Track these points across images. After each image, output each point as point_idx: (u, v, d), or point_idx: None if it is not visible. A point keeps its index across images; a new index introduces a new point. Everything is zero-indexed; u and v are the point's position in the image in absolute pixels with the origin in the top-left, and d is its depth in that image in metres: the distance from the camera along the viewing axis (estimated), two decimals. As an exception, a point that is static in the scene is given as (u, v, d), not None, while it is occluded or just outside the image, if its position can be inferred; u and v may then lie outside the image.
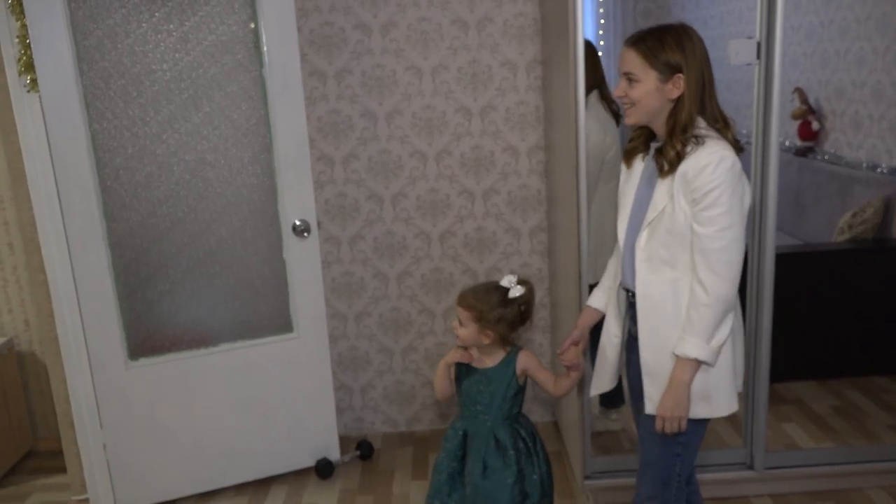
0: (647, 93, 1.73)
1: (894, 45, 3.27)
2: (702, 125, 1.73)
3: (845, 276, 3.25)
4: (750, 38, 2.32)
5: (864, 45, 3.48)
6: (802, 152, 3.96)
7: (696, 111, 1.73)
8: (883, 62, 3.34)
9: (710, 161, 1.67)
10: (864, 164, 3.52)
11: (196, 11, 2.45)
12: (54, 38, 2.28)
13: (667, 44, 1.71)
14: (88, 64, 2.37)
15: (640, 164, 1.87)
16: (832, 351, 3.21)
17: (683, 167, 1.70)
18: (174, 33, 2.44)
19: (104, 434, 2.62)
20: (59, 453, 2.94)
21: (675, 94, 1.72)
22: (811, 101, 3.89)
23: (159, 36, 2.42)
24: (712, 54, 1.85)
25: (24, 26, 2.28)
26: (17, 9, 2.27)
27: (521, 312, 2.08)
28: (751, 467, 2.57)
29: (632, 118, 1.80)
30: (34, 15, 2.25)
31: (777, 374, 2.55)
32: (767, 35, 2.28)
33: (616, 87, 1.79)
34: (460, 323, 2.07)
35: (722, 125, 1.74)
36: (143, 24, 2.40)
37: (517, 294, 2.05)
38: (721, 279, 1.69)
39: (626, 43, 1.76)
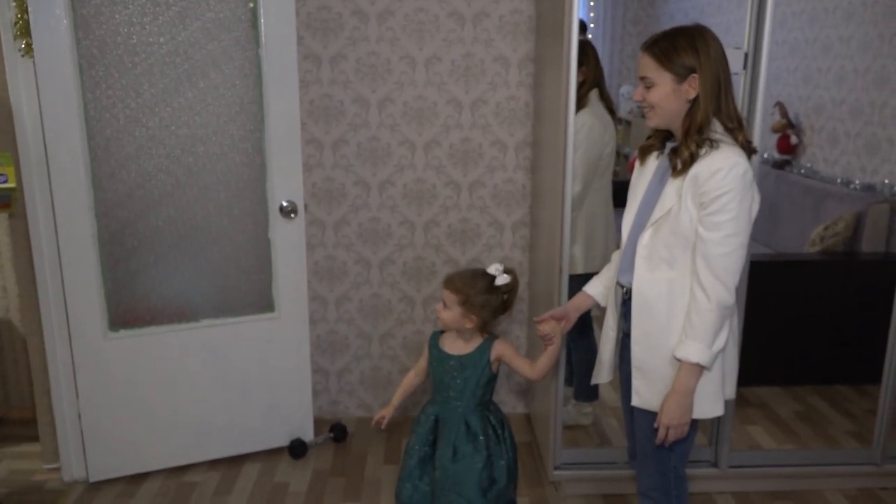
0: (665, 95, 1.75)
1: (874, 64, 3.38)
2: (718, 128, 1.75)
3: (815, 286, 3.35)
4: (738, 48, 2.39)
5: (845, 64, 3.58)
6: (780, 165, 4.06)
7: (713, 111, 1.74)
8: (862, 81, 3.44)
9: (723, 166, 1.68)
10: (839, 180, 3.63)
11: None
12: (52, 4, 2.28)
13: (679, 46, 1.73)
14: (85, 31, 2.37)
15: (654, 162, 1.88)
16: (798, 358, 3.31)
17: (695, 169, 1.71)
18: (173, 7, 2.44)
19: (80, 404, 2.62)
20: (30, 422, 2.93)
21: (692, 94, 1.74)
22: (791, 115, 3.99)
23: (158, 9, 2.43)
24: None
25: (22, -10, 2.28)
26: (16, -28, 2.27)
27: (503, 301, 2.13)
28: (715, 465, 2.65)
29: (652, 121, 1.82)
30: (33, -21, 2.25)
31: (744, 378, 2.61)
32: (755, 47, 2.35)
33: (634, 92, 1.81)
34: (444, 305, 2.11)
35: (736, 126, 1.76)
36: (143, -4, 2.41)
37: (503, 282, 2.10)
38: (723, 285, 1.71)
39: (641, 48, 1.78)
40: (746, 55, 2.36)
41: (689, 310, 1.75)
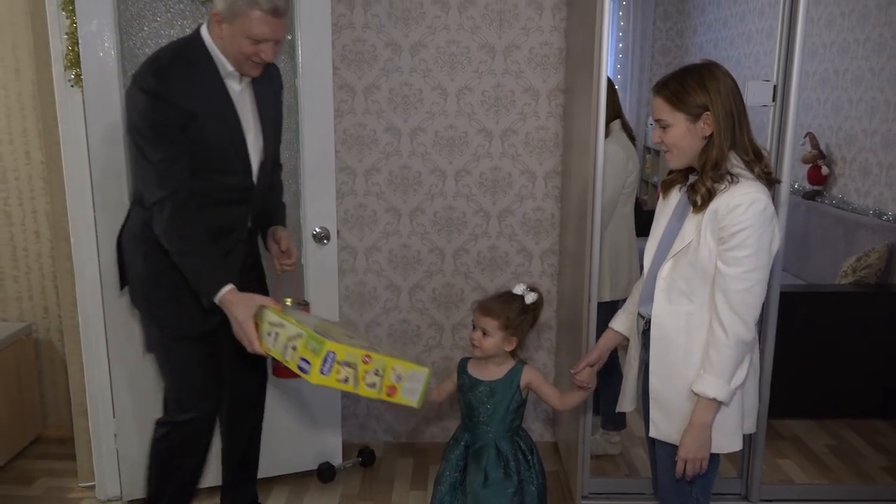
0: (681, 136, 1.76)
1: (906, 96, 3.37)
2: (736, 161, 1.75)
3: (847, 318, 3.31)
4: (767, 80, 2.41)
5: (876, 95, 3.57)
6: (811, 196, 4.04)
7: (728, 146, 1.74)
8: (894, 113, 3.43)
9: (742, 202, 1.68)
10: (871, 211, 3.60)
11: (237, 21, 2.55)
12: (101, 37, 2.38)
13: (689, 85, 1.74)
14: (131, 62, 2.46)
15: (676, 195, 1.89)
16: (830, 391, 3.27)
17: (715, 204, 1.72)
18: (215, 40, 2.54)
19: (116, 423, 2.68)
20: (66, 440, 3.00)
21: (708, 131, 1.74)
22: (822, 146, 3.98)
23: (201, 42, 2.52)
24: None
25: (73, 23, 2.38)
26: (69, 7, 2.37)
27: (533, 318, 2.17)
28: (746, 498, 2.61)
29: (673, 162, 1.83)
30: (84, 13, 2.35)
31: (775, 411, 2.60)
32: (784, 79, 2.37)
33: (652, 134, 1.83)
34: (484, 333, 2.13)
35: (753, 158, 1.76)
36: (187, 29, 2.49)
37: (533, 300, 2.14)
38: (741, 320, 1.71)
39: (652, 90, 1.80)
40: (775, 87, 2.38)
41: (708, 345, 1.75)
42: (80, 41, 2.37)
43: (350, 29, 2.90)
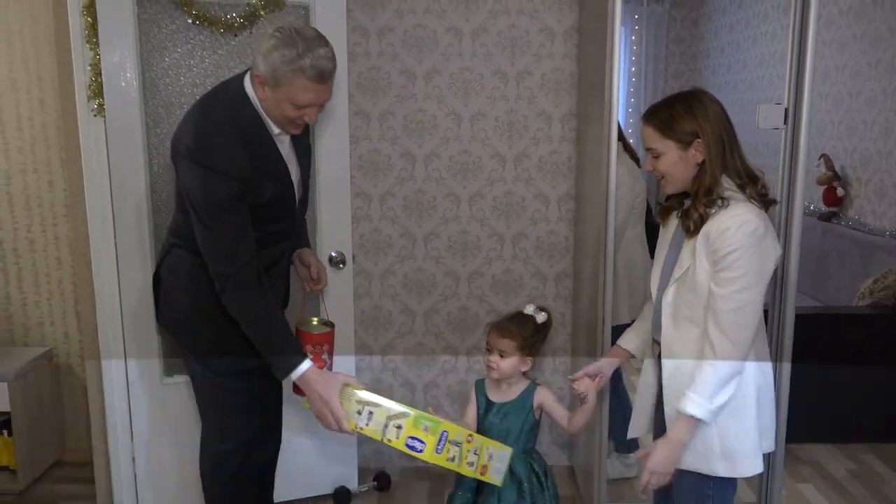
0: (672, 163, 1.79)
1: (919, 118, 3.37)
2: (728, 185, 1.77)
3: (865, 340, 3.29)
4: (778, 104, 2.42)
5: (890, 117, 3.57)
6: (826, 217, 4.03)
7: (720, 172, 1.76)
8: (908, 134, 3.43)
9: (732, 224, 1.70)
10: (888, 232, 3.58)
11: (257, 51, 2.60)
12: (123, 68, 2.44)
13: (677, 113, 1.77)
14: (152, 92, 2.52)
15: (675, 221, 1.90)
16: (850, 414, 3.23)
17: (707, 227, 1.74)
18: (235, 70, 2.59)
19: (134, 447, 2.71)
20: (85, 465, 3.02)
21: (700, 158, 1.77)
22: (837, 167, 3.97)
23: (220, 71, 2.57)
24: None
25: (97, 55, 2.45)
26: (93, 39, 2.44)
27: (543, 338, 2.19)
28: (765, 523, 2.59)
29: (668, 188, 1.85)
30: (107, 45, 2.42)
31: (794, 435, 2.57)
32: (795, 102, 2.38)
33: (645, 162, 1.86)
34: (502, 355, 2.13)
35: (746, 181, 1.78)
36: (206, 60, 2.56)
37: (543, 320, 2.16)
38: (730, 341, 1.71)
39: (642, 119, 1.83)
40: (787, 110, 2.39)
41: (699, 364, 1.76)
42: (103, 72, 2.44)
43: (365, 57, 2.95)
